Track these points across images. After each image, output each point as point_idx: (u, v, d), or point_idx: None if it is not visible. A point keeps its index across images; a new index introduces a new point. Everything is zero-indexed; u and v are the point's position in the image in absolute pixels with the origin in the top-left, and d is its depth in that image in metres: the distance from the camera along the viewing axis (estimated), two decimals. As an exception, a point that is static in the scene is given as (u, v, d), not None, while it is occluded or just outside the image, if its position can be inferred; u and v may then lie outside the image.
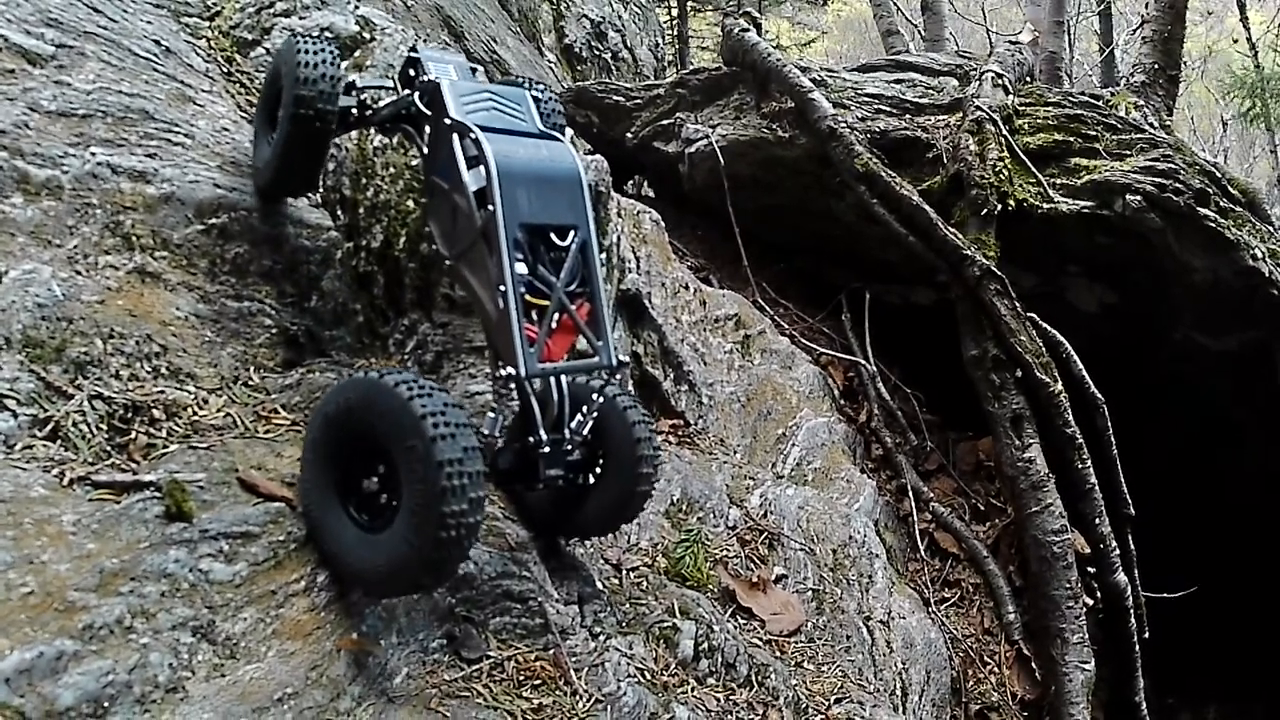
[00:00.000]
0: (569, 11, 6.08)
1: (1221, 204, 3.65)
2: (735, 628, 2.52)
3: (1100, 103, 3.99)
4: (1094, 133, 3.84)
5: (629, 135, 4.78)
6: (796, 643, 2.69)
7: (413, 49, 2.04)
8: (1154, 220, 3.61)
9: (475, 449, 1.49)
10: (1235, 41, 11.02)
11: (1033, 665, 3.70)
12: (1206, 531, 4.31)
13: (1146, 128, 3.79)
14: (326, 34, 2.14)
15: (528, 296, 1.73)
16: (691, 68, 5.19)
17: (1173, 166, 3.59)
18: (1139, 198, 3.59)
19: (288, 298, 2.16)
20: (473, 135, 1.76)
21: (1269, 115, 9.38)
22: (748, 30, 4.47)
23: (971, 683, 3.62)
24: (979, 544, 3.93)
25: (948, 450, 4.31)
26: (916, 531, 3.91)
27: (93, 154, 1.95)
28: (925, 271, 4.10)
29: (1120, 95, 4.80)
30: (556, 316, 1.76)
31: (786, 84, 4.24)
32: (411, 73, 2.00)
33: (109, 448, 1.66)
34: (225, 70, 2.43)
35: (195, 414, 1.83)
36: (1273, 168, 13.35)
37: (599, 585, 2.27)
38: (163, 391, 1.82)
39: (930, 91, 4.31)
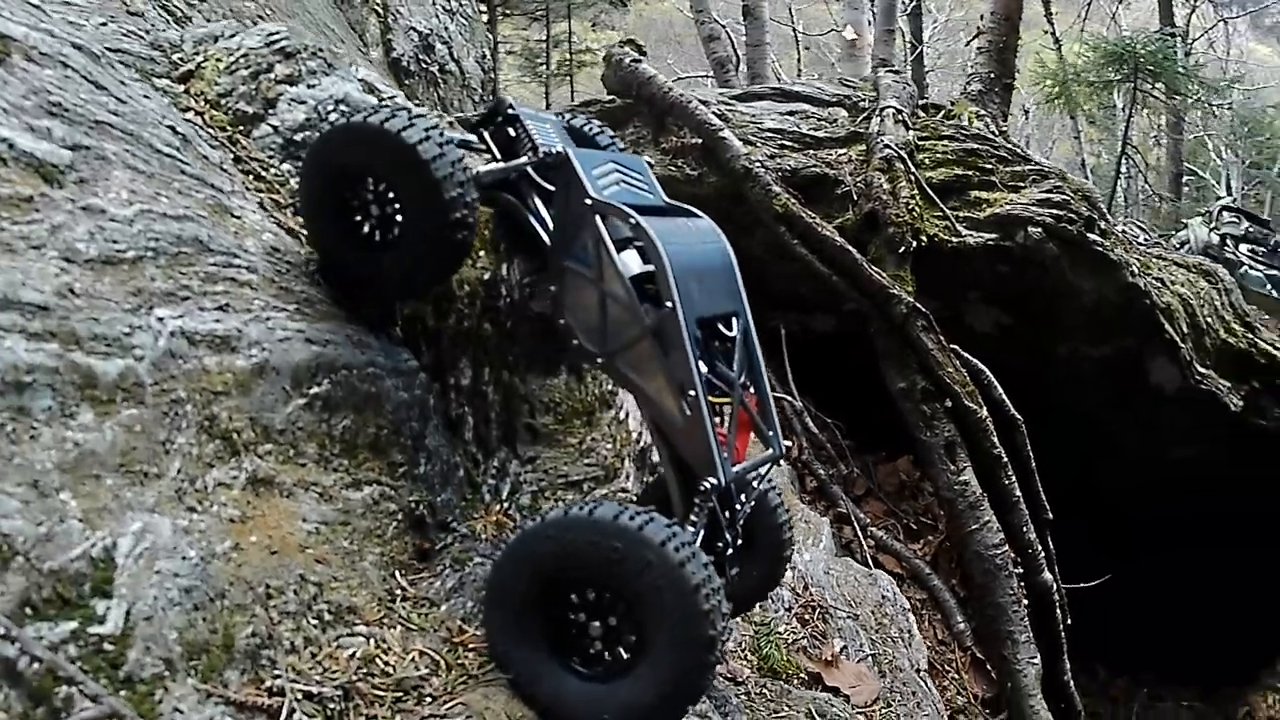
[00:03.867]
0: (396, 24, 5.45)
1: (1103, 226, 4.08)
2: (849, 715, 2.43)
3: (991, 134, 4.28)
4: (989, 165, 4.12)
5: (516, 172, 4.39)
6: (881, 710, 2.66)
7: (509, 105, 1.80)
8: (1051, 249, 3.96)
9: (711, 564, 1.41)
10: (1046, 33, 12.73)
11: (987, 667, 3.98)
12: (1103, 526, 4.86)
13: (1034, 158, 4.11)
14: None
15: (709, 397, 1.60)
16: (583, 100, 4.87)
17: (1065, 197, 3.95)
18: (1040, 230, 3.91)
19: (399, 469, 1.70)
20: (633, 220, 1.58)
21: (1072, 102, 10.98)
22: (639, 61, 4.27)
23: (937, 690, 3.81)
24: (920, 562, 4.13)
25: (869, 473, 4.48)
26: (868, 558, 4.02)
27: (160, 320, 1.38)
28: (827, 299, 4.19)
29: (960, 104, 5.19)
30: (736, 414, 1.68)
31: (694, 121, 4.10)
32: (511, 132, 1.77)
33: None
34: (233, 155, 1.84)
35: (390, 669, 1.38)
36: (1076, 152, 15.67)
37: (734, 702, 2.07)
38: (344, 648, 1.35)
39: (823, 123, 4.38)
